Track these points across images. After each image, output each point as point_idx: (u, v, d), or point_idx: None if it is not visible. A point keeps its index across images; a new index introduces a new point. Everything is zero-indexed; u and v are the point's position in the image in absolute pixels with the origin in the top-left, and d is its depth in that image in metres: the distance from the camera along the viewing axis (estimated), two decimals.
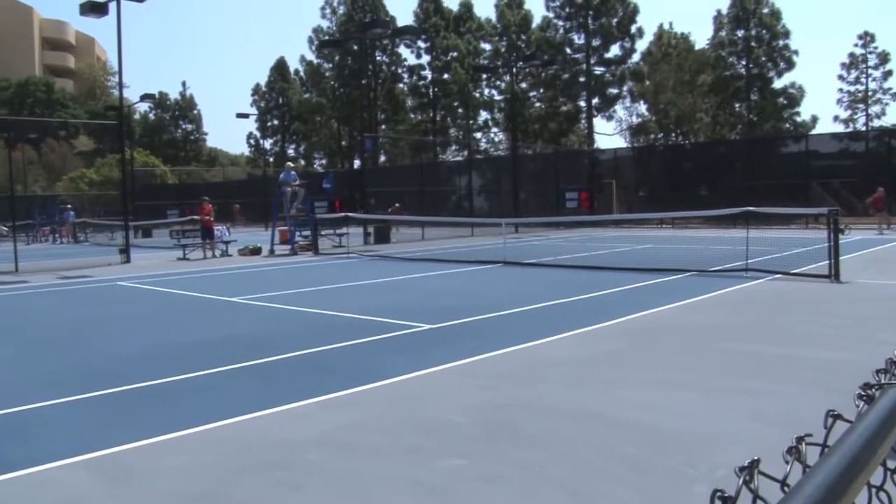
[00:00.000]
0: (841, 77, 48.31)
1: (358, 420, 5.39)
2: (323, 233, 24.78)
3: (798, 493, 0.76)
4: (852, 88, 48.10)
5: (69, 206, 41.71)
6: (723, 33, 47.41)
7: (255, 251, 23.62)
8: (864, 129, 45.20)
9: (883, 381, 1.21)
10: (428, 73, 58.84)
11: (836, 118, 48.20)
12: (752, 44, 46.05)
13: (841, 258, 12.79)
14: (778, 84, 46.57)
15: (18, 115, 68.92)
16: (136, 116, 74.83)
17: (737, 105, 48.33)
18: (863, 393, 1.14)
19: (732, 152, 39.02)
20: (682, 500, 3.89)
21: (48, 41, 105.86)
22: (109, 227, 37.28)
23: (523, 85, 54.17)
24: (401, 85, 60.30)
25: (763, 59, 45.87)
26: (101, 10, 22.08)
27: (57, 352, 8.46)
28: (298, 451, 4.73)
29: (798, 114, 47.04)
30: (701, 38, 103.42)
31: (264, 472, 4.39)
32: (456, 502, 3.92)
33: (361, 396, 6.04)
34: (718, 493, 0.74)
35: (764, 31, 45.85)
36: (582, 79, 51.84)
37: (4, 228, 36.90)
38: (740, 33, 46.60)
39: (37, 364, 7.79)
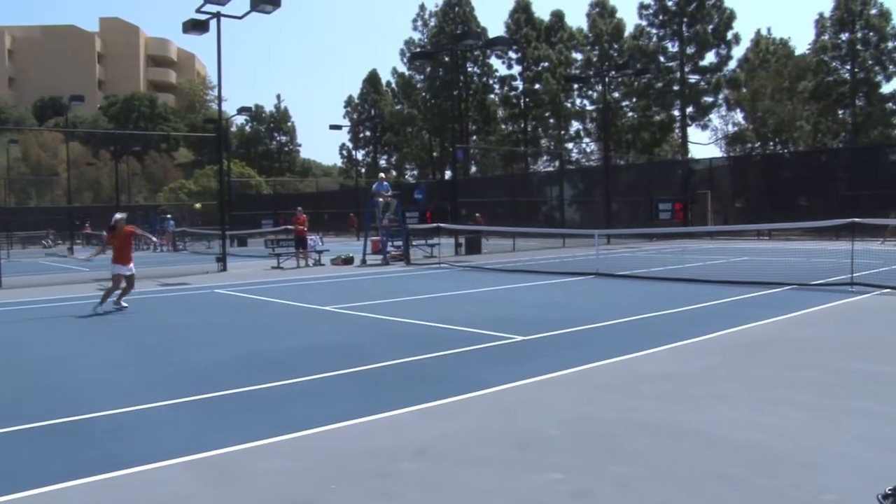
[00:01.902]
0: None
1: (455, 430, 5.39)
2: (414, 243, 24.99)
3: None
4: None
5: (169, 215, 43.29)
6: (825, 37, 45.82)
7: (348, 261, 23.98)
8: None
9: None
10: (519, 84, 58.86)
11: None
12: (858, 47, 44.33)
13: None
14: (886, 89, 44.72)
15: (124, 129, 72.13)
16: (233, 129, 77.21)
17: (840, 112, 46.59)
18: None
19: (835, 161, 37.59)
20: None
21: (152, 58, 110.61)
22: (207, 236, 38.50)
23: (615, 94, 53.55)
24: (492, 95, 60.45)
25: (870, 62, 44.07)
26: (202, 28, 22.88)
27: (160, 356, 8.77)
28: (395, 460, 4.76)
29: None
30: (801, 42, 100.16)
31: (361, 480, 4.44)
32: None
33: (458, 406, 6.05)
34: None
35: (871, 34, 44.08)
36: (676, 87, 50.94)
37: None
38: (845, 36, 44.94)
39: (141, 367, 8.08)
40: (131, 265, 13.84)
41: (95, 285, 18.23)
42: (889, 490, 0.73)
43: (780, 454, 4.70)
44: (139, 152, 66.42)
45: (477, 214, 34.27)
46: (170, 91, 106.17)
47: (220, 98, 27.59)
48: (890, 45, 43.86)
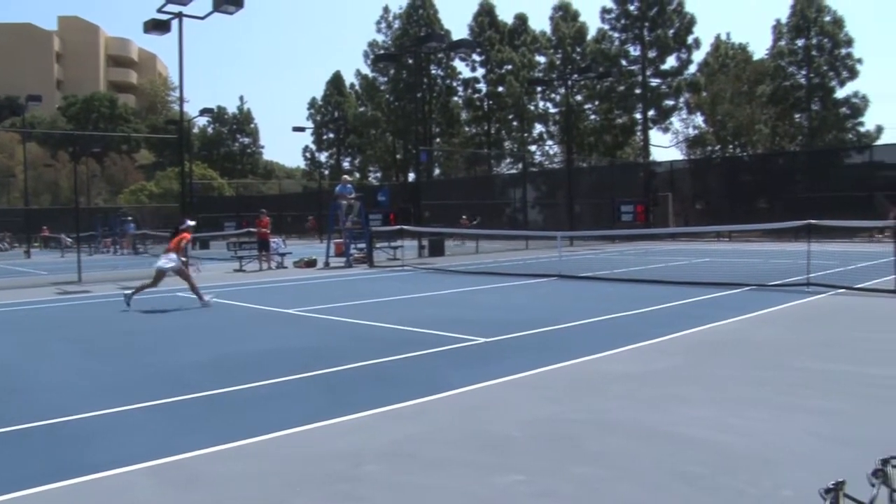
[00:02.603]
0: None
1: (419, 432, 5.42)
2: (378, 245, 24.97)
3: None
4: None
5: (130, 217, 42.77)
6: (782, 43, 46.61)
7: (311, 263, 23.89)
8: None
9: None
10: (483, 86, 59.04)
11: None
12: (813, 53, 45.16)
13: None
14: (840, 94, 45.58)
15: (83, 129, 71.06)
16: (195, 130, 76.44)
17: (797, 116, 47.43)
18: None
19: (792, 164, 38.28)
20: None
21: (112, 58, 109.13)
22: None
23: (578, 97, 53.95)
24: (455, 98, 60.56)
25: (824, 68, 44.91)
26: (163, 28, 22.67)
27: (122, 360, 8.67)
28: (360, 463, 4.77)
29: (862, 124, 45.88)
30: (759, 48, 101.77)
31: (326, 483, 4.44)
32: None
33: (422, 408, 6.07)
34: None
35: (825, 40, 44.94)
36: (638, 91, 51.47)
37: (68, 239, 38.02)
38: (800, 42, 45.75)
39: (103, 371, 7.99)
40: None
41: (53, 289, 17.96)
42: (831, 485, 0.77)
43: (739, 452, 4.80)
44: (99, 154, 65.37)
45: (463, 217, 34.17)
46: (130, 92, 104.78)
47: (181, 99, 27.37)
48: (843, 51, 44.77)
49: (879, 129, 46.22)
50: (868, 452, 4.68)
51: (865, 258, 17.41)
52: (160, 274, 13.80)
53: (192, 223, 14.38)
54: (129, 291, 13.69)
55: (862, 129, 45.79)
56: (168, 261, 13.79)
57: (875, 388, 6.34)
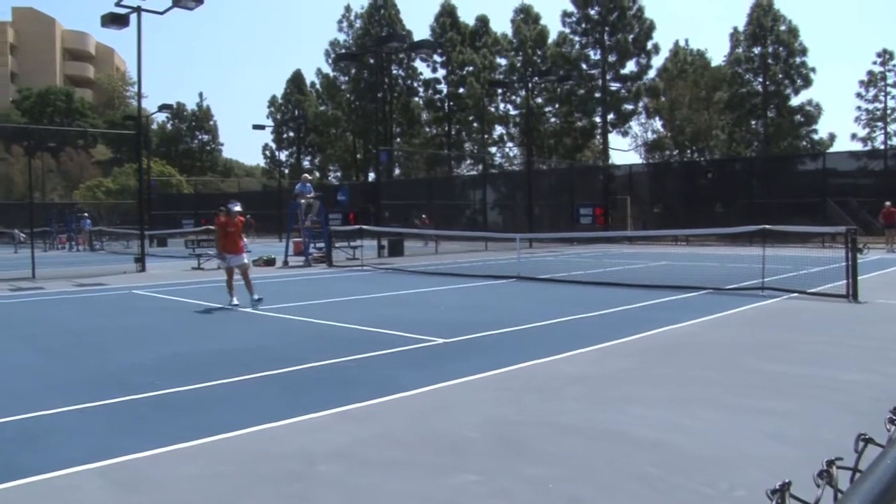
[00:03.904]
0: (859, 95, 47.97)
1: (373, 433, 5.37)
2: (337, 245, 24.83)
3: None
4: (871, 106, 47.75)
5: (86, 213, 42.07)
6: (739, 50, 47.34)
7: (270, 262, 23.68)
8: (882, 147, 44.93)
9: None
10: (444, 87, 59.02)
11: (854, 136, 47.80)
12: (769, 61, 45.94)
13: (859, 278, 12.69)
14: (795, 101, 46.45)
15: (38, 124, 69.60)
16: (154, 126, 75.35)
17: (753, 122, 48.19)
18: (894, 417, 1.12)
19: (748, 170, 38.88)
20: None
21: (69, 52, 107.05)
22: (125, 235, 37.51)
23: (539, 100, 54.21)
24: (416, 98, 60.47)
25: (780, 76, 45.72)
26: (121, 22, 22.30)
27: (71, 359, 8.48)
28: (313, 463, 4.71)
29: (815, 131, 46.82)
30: (717, 54, 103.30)
31: (278, 485, 4.37)
32: None
33: (376, 409, 6.02)
34: None
35: (781, 49, 45.74)
36: (597, 94, 51.87)
37: (22, 235, 37.23)
38: (757, 50, 46.51)
39: (51, 371, 7.81)
40: (243, 255, 13.43)
41: (6, 285, 17.56)
42: (777, 486, 0.75)
43: (694, 453, 4.83)
44: (54, 148, 64.09)
45: (423, 216, 33.99)
46: (87, 86, 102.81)
47: (139, 95, 26.98)
48: (798, 60, 45.59)
49: (832, 137, 47.23)
50: (818, 453, 4.75)
51: (818, 263, 17.72)
52: (244, 268, 13.25)
53: (238, 207, 13.64)
54: (230, 300, 12.93)
55: (815, 137, 46.73)
56: (246, 253, 13.42)
57: (826, 390, 6.44)
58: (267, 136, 74.65)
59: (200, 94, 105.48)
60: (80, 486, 4.38)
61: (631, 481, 4.35)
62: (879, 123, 47.74)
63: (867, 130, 47.95)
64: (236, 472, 4.58)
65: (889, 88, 47.42)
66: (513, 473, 4.50)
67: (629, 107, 52.58)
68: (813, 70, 45.53)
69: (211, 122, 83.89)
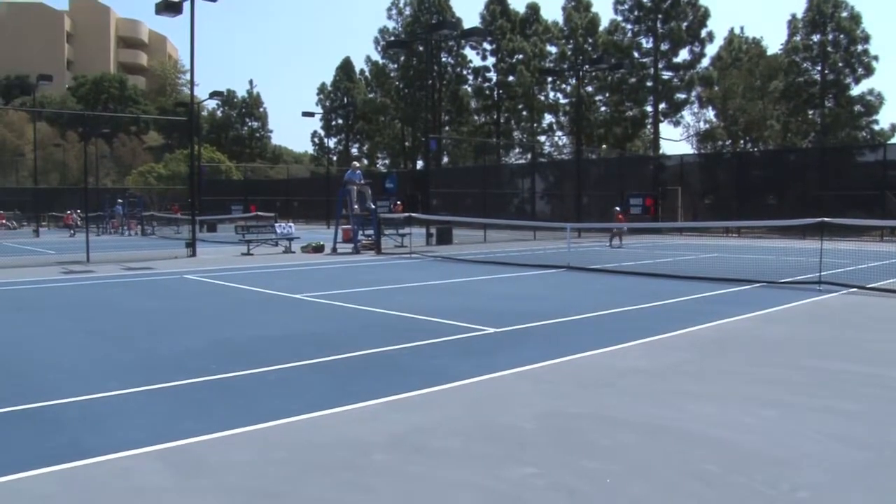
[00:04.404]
0: None
1: (427, 422, 5.35)
2: (386, 232, 24.89)
3: None
4: None
5: (119, 200, 42.92)
6: (797, 38, 46.19)
7: (318, 249, 23.85)
8: None
9: None
10: (493, 75, 58.81)
11: None
12: (829, 49, 44.75)
13: None
14: (855, 91, 45.14)
15: (93, 110, 71.01)
16: (204, 113, 76.36)
17: (810, 112, 47.04)
18: None
19: (804, 161, 38.02)
20: None
21: (123, 40, 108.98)
22: (175, 220, 38.10)
23: (589, 89, 53.67)
24: (465, 86, 60.34)
25: (840, 64, 44.50)
26: (175, 10, 22.57)
27: (126, 342, 8.62)
28: (368, 452, 4.70)
29: (876, 122, 45.46)
30: (773, 42, 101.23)
31: (333, 472, 4.38)
32: None
33: (430, 398, 6.01)
34: None
35: (841, 36, 44.50)
36: (649, 83, 51.15)
37: (78, 218, 38.07)
38: (816, 38, 45.33)
39: (106, 353, 7.94)
40: None
41: (59, 268, 17.95)
42: None
43: (752, 451, 4.72)
44: (108, 134, 65.33)
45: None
46: (140, 73, 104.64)
47: (192, 81, 27.26)
48: (859, 48, 44.32)
49: (893, 128, 45.88)
50: (885, 455, 4.61)
51: (877, 258, 17.27)
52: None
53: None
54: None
55: (876, 128, 45.45)
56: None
57: (891, 391, 6.25)
58: (316, 124, 75.46)
59: (251, 82, 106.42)
60: (140, 468, 4.44)
61: (689, 479, 4.27)
62: None
63: None
64: (292, 459, 4.60)
65: None
66: (570, 467, 4.45)
67: (681, 96, 51.77)
68: (875, 58, 44.22)
69: (261, 109, 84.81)
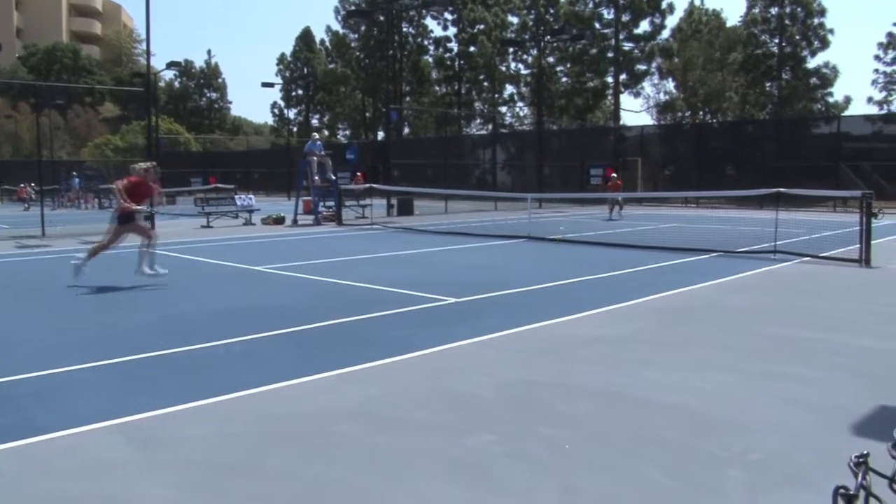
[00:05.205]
0: (877, 57, 47.18)
1: (389, 393, 5.37)
2: (346, 204, 24.78)
3: None
4: (889, 69, 46.99)
5: (74, 172, 42.16)
6: (756, 10, 46.53)
7: (279, 221, 23.66)
8: None
9: None
10: (454, 46, 58.41)
11: (870, 100, 47.08)
12: (786, 21, 45.18)
13: (872, 242, 12.61)
14: (811, 63, 45.73)
15: (45, 80, 69.28)
16: (161, 84, 74.99)
17: (767, 84, 47.57)
18: None
19: (761, 132, 38.50)
20: (716, 483, 3.84)
21: (75, 7, 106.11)
22: None
23: (550, 59, 53.63)
24: (426, 57, 59.90)
25: (797, 37, 45.00)
26: None
27: (82, 317, 8.51)
28: (330, 423, 4.71)
29: (831, 94, 46.20)
30: (733, 15, 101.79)
31: (295, 444, 4.38)
32: (487, 479, 3.89)
33: (391, 369, 6.03)
34: (842, 491, 0.69)
35: (799, 9, 44.93)
36: (610, 54, 51.23)
37: (32, 192, 37.30)
38: (774, 10, 45.71)
39: (62, 329, 7.84)
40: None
41: (13, 243, 17.60)
42: (857, 458, 0.71)
43: (709, 416, 4.81)
44: (62, 106, 63.88)
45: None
46: (94, 43, 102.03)
47: (148, 51, 26.63)
48: (816, 21, 44.81)
49: (847, 100, 46.64)
50: (834, 419, 4.74)
51: (830, 227, 17.60)
52: None
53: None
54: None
55: (830, 100, 46.14)
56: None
57: (840, 356, 6.40)
58: (275, 95, 74.62)
59: (209, 52, 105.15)
60: (97, 443, 4.40)
61: (647, 444, 4.35)
62: None
63: (884, 94, 47.26)
64: (253, 431, 4.59)
65: None
66: (530, 434, 4.50)
67: (642, 67, 51.95)
68: (831, 31, 44.80)
69: (219, 80, 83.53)
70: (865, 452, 0.78)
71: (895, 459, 0.85)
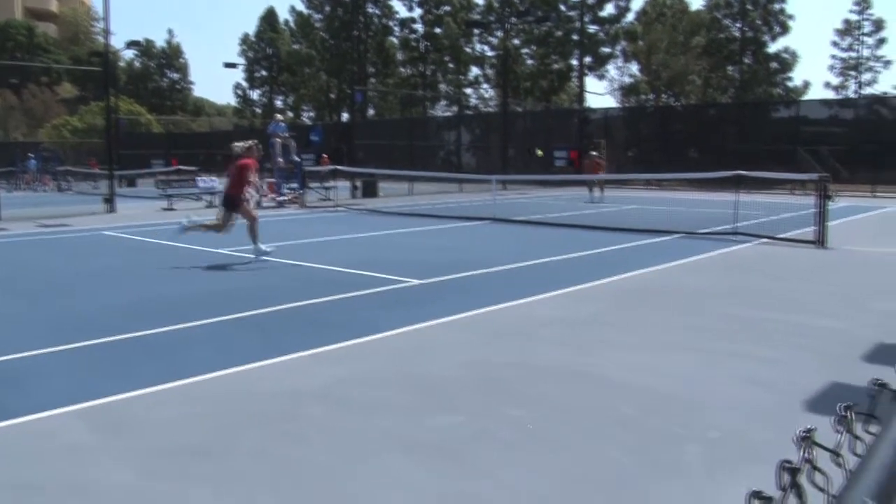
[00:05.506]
0: (835, 43, 47.99)
1: (353, 374, 5.39)
2: (310, 186, 24.63)
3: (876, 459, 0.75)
4: (845, 55, 47.83)
5: (31, 154, 41.37)
6: None
7: None
8: (854, 96, 45.11)
9: None
10: (419, 27, 58.09)
11: (827, 84, 47.97)
12: (748, 6, 45.62)
13: (827, 224, 12.85)
14: (772, 48, 46.31)
15: None
16: (121, 64, 73.65)
17: (729, 68, 48.06)
18: None
19: (723, 115, 38.91)
20: (675, 459, 3.93)
21: None
22: (93, 175, 36.87)
23: (516, 41, 53.59)
24: (392, 38, 59.51)
25: (758, 22, 45.48)
26: None
27: (43, 301, 8.40)
28: (296, 405, 4.73)
29: (790, 79, 46.86)
30: None
31: (262, 426, 4.39)
32: (452, 459, 3.94)
33: (355, 350, 6.04)
34: (786, 464, 0.73)
35: None
36: (575, 37, 51.31)
37: None
38: None
39: (24, 313, 7.74)
40: None
41: None
42: (803, 432, 0.74)
43: (669, 395, 4.91)
44: (16, 85, 62.49)
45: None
46: (50, 20, 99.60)
47: (106, 30, 26.25)
48: (777, 6, 45.31)
49: (806, 85, 47.33)
50: (790, 397, 4.85)
51: (788, 209, 17.89)
52: None
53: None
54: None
55: (790, 84, 46.78)
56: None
57: (797, 336, 6.55)
58: (239, 75, 73.53)
59: (170, 31, 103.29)
60: (64, 427, 4.38)
61: (609, 423, 4.43)
62: (853, 72, 47.86)
63: (840, 79, 48.08)
64: (219, 413, 4.60)
65: (863, 38, 47.43)
66: (494, 415, 4.56)
67: (606, 50, 52.14)
68: (791, 17, 45.34)
69: (181, 60, 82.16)
70: (811, 427, 0.82)
71: (839, 434, 0.89)
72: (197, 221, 11.67)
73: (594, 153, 28.51)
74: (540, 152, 14.63)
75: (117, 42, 68.53)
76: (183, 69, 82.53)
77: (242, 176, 11.18)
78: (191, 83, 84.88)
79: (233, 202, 11.21)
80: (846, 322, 7.08)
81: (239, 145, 11.60)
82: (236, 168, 11.19)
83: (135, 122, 62.53)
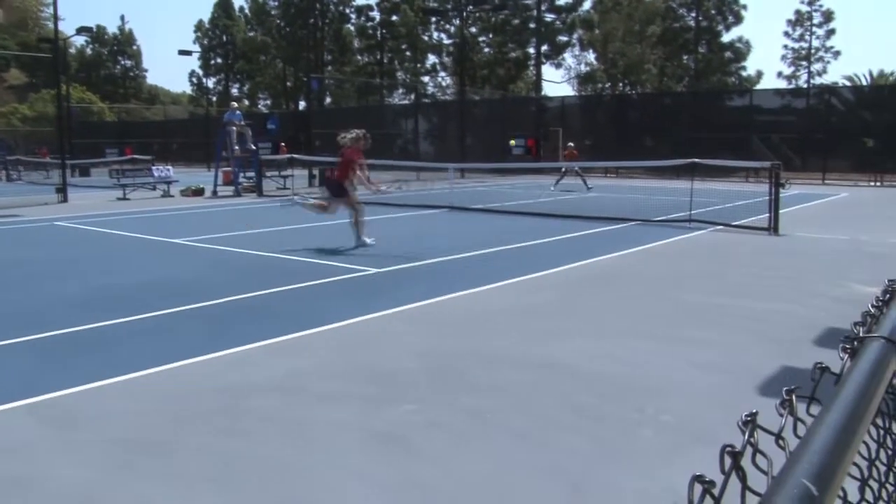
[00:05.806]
0: (786, 33, 48.67)
1: (305, 365, 5.33)
2: (267, 174, 24.39)
3: (814, 440, 0.74)
4: (797, 45, 48.54)
5: None
6: None
7: (198, 192, 23.14)
8: (805, 86, 45.86)
9: (861, 334, 1.20)
10: (376, 15, 57.71)
11: (779, 74, 48.71)
12: None
13: (780, 211, 13.06)
14: (726, 38, 46.86)
15: None
16: (72, 51, 72.13)
17: (684, 57, 48.56)
18: (847, 346, 1.13)
19: (678, 104, 39.32)
20: (630, 443, 3.96)
21: None
22: (44, 165, 36.09)
23: (473, 30, 53.52)
24: (348, 25, 59.08)
25: (712, 11, 45.98)
26: None
27: None
28: (245, 398, 4.66)
29: (744, 68, 47.49)
30: None
31: (212, 419, 4.32)
32: (407, 449, 3.91)
33: (308, 341, 5.98)
34: (728, 449, 0.71)
35: None
36: (532, 25, 51.41)
37: None
38: None
39: None
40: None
41: None
42: (747, 416, 0.73)
43: (624, 382, 4.94)
44: None
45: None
46: None
47: (56, 15, 25.64)
48: None
49: (759, 75, 48.00)
50: (740, 380, 4.92)
51: (742, 197, 18.15)
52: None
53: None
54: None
55: (744, 74, 47.43)
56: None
57: (747, 320, 6.64)
58: (194, 63, 72.43)
59: (122, 17, 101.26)
60: (12, 423, 4.26)
61: (565, 411, 4.44)
62: (804, 62, 48.62)
63: (792, 69, 48.84)
64: (169, 407, 4.51)
65: (814, 28, 48.17)
66: (449, 404, 4.54)
67: (563, 38, 52.31)
68: (744, 7, 45.90)
69: (134, 47, 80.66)
70: (754, 411, 0.81)
71: (782, 416, 0.88)
72: (307, 201, 12.03)
73: (571, 144, 28.74)
74: (513, 142, 14.75)
75: (68, 28, 66.81)
76: (136, 56, 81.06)
77: (348, 166, 11.61)
78: (144, 71, 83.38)
79: (336, 188, 11.69)
80: (797, 307, 7.19)
81: (346, 136, 11.88)
82: (344, 158, 11.72)
83: (87, 111, 61.36)
